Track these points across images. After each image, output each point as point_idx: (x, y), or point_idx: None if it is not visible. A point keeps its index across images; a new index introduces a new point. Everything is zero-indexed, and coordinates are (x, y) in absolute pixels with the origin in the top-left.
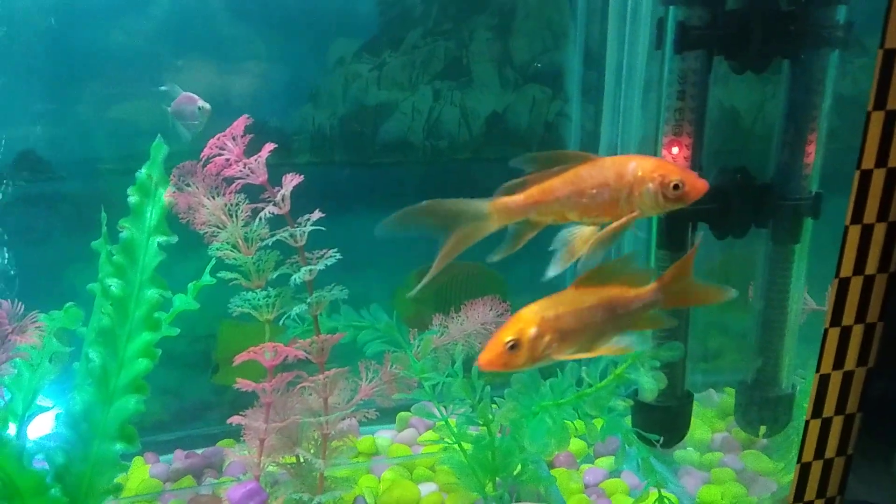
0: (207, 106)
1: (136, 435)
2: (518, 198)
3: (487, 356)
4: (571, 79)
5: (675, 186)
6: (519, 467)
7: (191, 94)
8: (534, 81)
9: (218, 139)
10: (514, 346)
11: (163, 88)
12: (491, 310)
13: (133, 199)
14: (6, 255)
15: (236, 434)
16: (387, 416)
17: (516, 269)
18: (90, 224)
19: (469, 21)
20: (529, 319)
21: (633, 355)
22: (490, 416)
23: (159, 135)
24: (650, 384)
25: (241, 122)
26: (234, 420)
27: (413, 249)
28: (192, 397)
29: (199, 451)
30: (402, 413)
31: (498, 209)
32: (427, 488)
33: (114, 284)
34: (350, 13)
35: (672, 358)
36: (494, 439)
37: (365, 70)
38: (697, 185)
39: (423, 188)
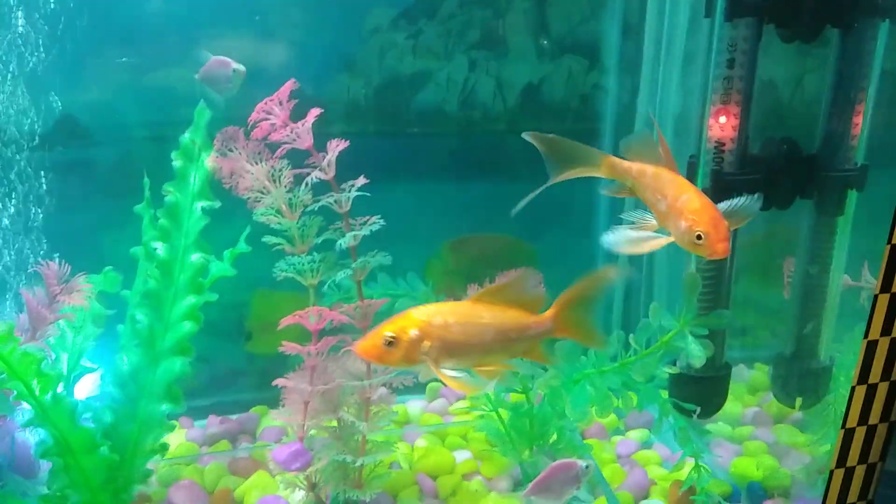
0: (242, 68)
1: (182, 396)
2: (625, 164)
3: (364, 345)
4: (609, 50)
5: (699, 237)
6: (555, 435)
7: (222, 58)
8: (570, 52)
9: (265, 103)
10: (392, 343)
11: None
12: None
13: (177, 163)
14: (44, 218)
15: (268, 401)
16: (417, 386)
17: (546, 241)
18: (125, 189)
19: None
20: (414, 321)
21: (681, 322)
22: (529, 385)
23: (202, 100)
24: (699, 351)
25: (287, 87)
26: (279, 382)
27: (443, 222)
28: (223, 365)
29: (234, 417)
30: (433, 384)
31: (607, 163)
32: (461, 455)
33: (159, 248)
34: None
35: (719, 326)
36: (533, 407)
37: (401, 39)
38: (717, 249)
39: (456, 159)
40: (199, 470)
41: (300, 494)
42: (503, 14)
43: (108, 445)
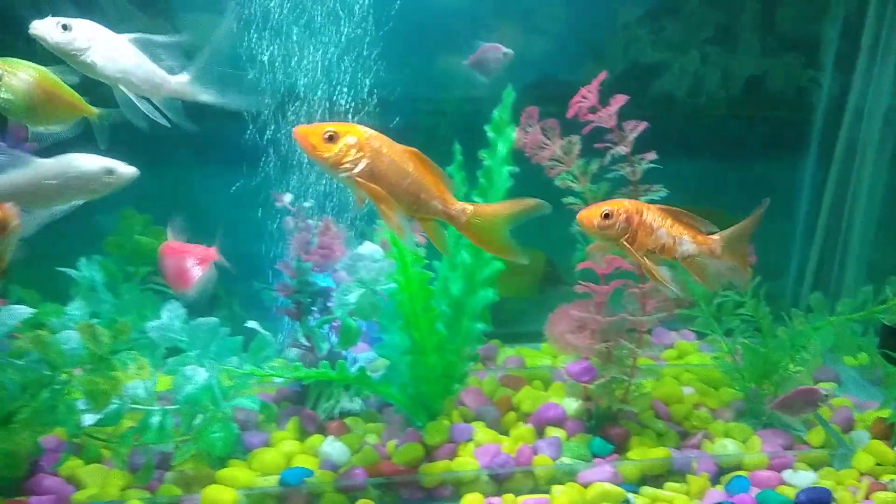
0: (511, 52)
1: (490, 318)
2: None
3: (304, 129)
4: (827, 49)
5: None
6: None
7: (494, 44)
8: (791, 49)
9: (585, 90)
10: (332, 137)
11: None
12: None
13: (490, 134)
14: None
15: (500, 336)
16: None
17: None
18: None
19: None
20: (357, 132)
21: None
22: (771, 331)
23: (509, 84)
24: None
25: (598, 78)
26: (574, 314)
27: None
28: None
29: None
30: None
31: None
32: (686, 390)
33: (478, 201)
34: None
35: None
36: (770, 350)
37: (644, 34)
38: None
39: (679, 139)
40: (477, 381)
41: (576, 404)
42: (736, 14)
43: (445, 350)
